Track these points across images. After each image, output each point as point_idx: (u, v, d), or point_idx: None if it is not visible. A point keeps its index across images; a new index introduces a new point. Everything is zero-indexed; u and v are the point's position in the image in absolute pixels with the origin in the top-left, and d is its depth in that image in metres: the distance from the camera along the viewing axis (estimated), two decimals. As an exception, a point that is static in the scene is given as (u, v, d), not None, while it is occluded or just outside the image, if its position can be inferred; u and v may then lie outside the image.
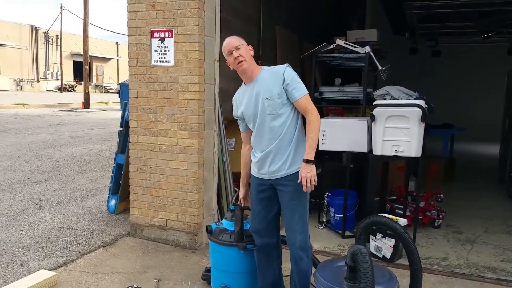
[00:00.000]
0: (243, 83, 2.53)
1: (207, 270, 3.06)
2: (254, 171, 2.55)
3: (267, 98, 2.37)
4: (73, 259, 3.44)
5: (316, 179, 2.33)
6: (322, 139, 3.99)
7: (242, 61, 2.38)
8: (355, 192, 4.25)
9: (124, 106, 4.44)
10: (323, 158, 4.56)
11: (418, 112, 3.48)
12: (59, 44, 34.67)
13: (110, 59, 41.55)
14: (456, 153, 7.70)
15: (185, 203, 3.68)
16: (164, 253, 3.60)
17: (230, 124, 4.63)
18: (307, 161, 2.32)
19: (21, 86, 32.22)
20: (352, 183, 4.12)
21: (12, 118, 14.47)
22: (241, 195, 2.75)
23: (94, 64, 38.52)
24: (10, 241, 3.79)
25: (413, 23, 7.93)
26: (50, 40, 36.00)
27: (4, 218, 4.41)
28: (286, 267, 3.25)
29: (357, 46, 4.41)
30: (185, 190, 3.66)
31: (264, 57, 6.09)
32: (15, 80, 32.17)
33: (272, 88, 2.37)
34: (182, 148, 3.63)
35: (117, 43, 42.27)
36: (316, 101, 4.87)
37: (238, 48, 2.39)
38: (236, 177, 4.43)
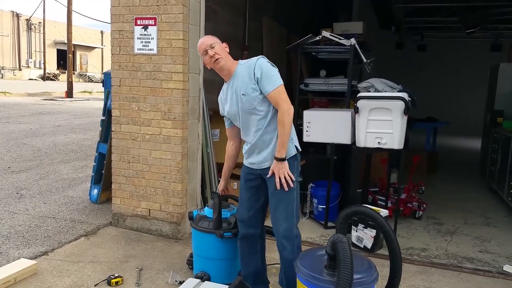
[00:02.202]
0: (224, 81, 2.54)
1: (192, 256, 3.10)
2: (244, 161, 2.58)
3: (243, 94, 2.37)
4: (54, 248, 3.40)
5: (290, 175, 2.34)
6: (307, 131, 4.01)
7: (218, 58, 2.38)
8: (338, 183, 4.30)
9: (107, 95, 4.38)
10: (307, 150, 4.60)
11: (401, 104, 3.52)
12: (42, 31, 33.84)
13: (94, 48, 40.78)
14: (439, 146, 7.83)
15: (168, 193, 3.66)
16: (147, 243, 3.58)
17: (214, 115, 4.60)
18: (277, 159, 2.33)
19: (2, 74, 31.42)
20: (335, 174, 4.17)
21: (-8, 106, 14.13)
22: (220, 187, 2.75)
23: (78, 53, 37.78)
24: (-11, 230, 3.72)
25: (399, 17, 7.99)
26: (32, 27, 35.07)
27: (-18, 207, 4.33)
28: (270, 256, 3.28)
29: (342, 38, 4.42)
30: (169, 180, 3.64)
31: (251, 48, 6.06)
32: (-4, 68, 31.40)
33: (247, 84, 2.35)
34: (166, 138, 3.61)
35: (101, 32, 41.47)
36: (301, 92, 4.89)
37: (213, 46, 2.38)
38: (220, 167, 4.39)
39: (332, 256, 1.95)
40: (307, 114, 4.04)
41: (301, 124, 4.21)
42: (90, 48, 40.29)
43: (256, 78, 2.32)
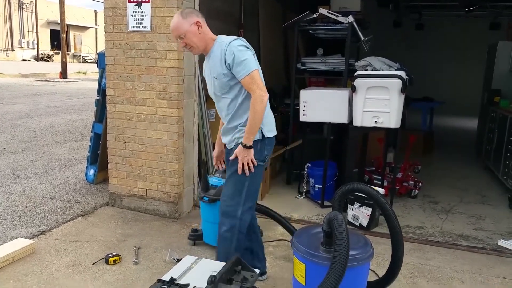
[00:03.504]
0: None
1: (194, 231, 3.23)
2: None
3: (215, 77, 2.32)
4: (51, 228, 3.41)
5: (254, 162, 2.29)
6: (303, 110, 3.99)
7: (190, 47, 2.33)
8: (335, 163, 4.30)
9: (101, 74, 4.32)
10: (304, 130, 4.59)
11: (398, 83, 3.50)
12: (34, 11, 33.15)
13: (88, 28, 40.08)
14: (436, 126, 7.83)
15: (165, 173, 3.66)
16: (144, 222, 3.60)
17: (211, 94, 4.57)
18: (244, 145, 2.27)
19: (-5, 55, 30.97)
20: (332, 154, 4.17)
21: (-14, 88, 13.96)
22: (214, 153, 2.73)
23: (72, 33, 37.13)
24: (-14, 211, 3.72)
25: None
26: (24, 7, 34.34)
27: (-21, 187, 4.32)
28: (267, 234, 3.31)
29: (340, 15, 4.35)
30: (165, 160, 3.63)
31: (247, 26, 5.97)
32: (-12, 49, 30.88)
33: (218, 67, 2.28)
34: (161, 118, 3.58)
35: (95, 11, 40.66)
36: (298, 72, 4.84)
37: (182, 37, 2.28)
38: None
39: (328, 233, 1.97)
40: (304, 94, 4.01)
41: (298, 104, 4.19)
42: (84, 28, 39.60)
43: (227, 64, 2.23)
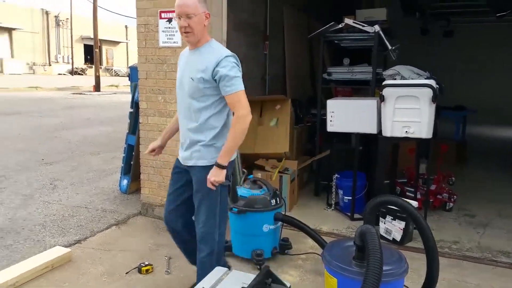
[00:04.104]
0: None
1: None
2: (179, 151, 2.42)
3: (191, 78, 2.16)
4: (87, 237, 3.54)
5: (220, 183, 2.14)
6: (330, 121, 3.98)
7: (188, 32, 2.13)
8: (364, 174, 4.24)
9: (134, 88, 4.47)
10: (331, 140, 4.57)
11: (428, 92, 3.44)
12: (69, 27, 34.71)
13: (119, 42, 41.51)
14: (468, 135, 7.60)
15: (194, 183, 3.72)
16: (174, 232, 3.66)
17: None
18: (218, 165, 2.11)
19: (33, 70, 32.49)
20: (361, 165, 4.12)
21: (26, 101, 14.66)
22: (153, 144, 2.55)
23: (104, 48, 38.53)
24: (27, 219, 3.90)
25: (424, 3, 7.74)
26: (60, 23, 36.01)
27: (21, 196, 4.54)
28: (296, 247, 3.30)
29: (366, 25, 4.34)
30: (195, 170, 3.70)
31: (272, 37, 6.04)
32: (28, 64, 32.44)
33: (200, 71, 2.13)
34: (191, 129, 3.65)
35: (126, 27, 42.13)
36: (324, 82, 4.84)
37: (190, 17, 2.08)
38: (244, 158, 4.47)
39: (360, 247, 1.94)
40: (331, 104, 4.00)
41: (324, 114, 4.19)
42: (115, 43, 41.06)
43: (216, 75, 2.10)
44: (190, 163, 2.26)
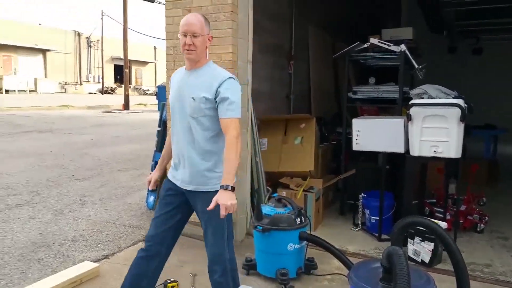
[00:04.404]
0: (184, 65, 2.33)
1: (248, 260, 3.25)
2: (168, 173, 2.37)
3: (192, 97, 2.16)
4: (115, 252, 3.61)
5: (235, 208, 2.06)
6: (356, 139, 3.96)
7: (192, 50, 2.15)
8: (391, 194, 4.17)
9: (162, 107, 4.60)
10: (357, 158, 4.53)
11: (457, 111, 3.39)
12: (100, 48, 36.15)
13: (148, 62, 42.81)
14: (500, 154, 7.36)
15: (220, 201, 3.75)
16: (199, 249, 3.64)
17: (262, 124, 4.69)
18: (227, 188, 2.03)
19: (65, 89, 33.78)
20: (388, 184, 4.06)
21: (57, 119, 15.24)
22: (152, 176, 2.49)
23: (133, 68, 39.80)
24: (57, 233, 4.02)
25: (451, 21, 7.66)
26: (92, 45, 37.55)
27: (52, 212, 4.69)
28: (322, 268, 3.25)
29: (392, 44, 4.34)
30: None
31: (297, 57, 6.11)
32: (60, 83, 33.79)
33: (202, 90, 2.15)
34: (217, 147, 3.71)
35: (154, 48, 43.49)
36: (349, 101, 4.84)
37: (196, 36, 2.13)
38: (269, 176, 4.49)
39: (387, 269, 1.91)
40: (356, 122, 4.00)
41: (350, 132, 4.17)
42: (144, 63, 42.38)
43: (217, 96, 2.12)
44: (190, 187, 2.23)
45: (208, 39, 2.21)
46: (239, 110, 2.17)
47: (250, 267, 3.23)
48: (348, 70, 4.80)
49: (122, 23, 22.52)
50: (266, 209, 3.23)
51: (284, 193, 4.16)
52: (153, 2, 18.84)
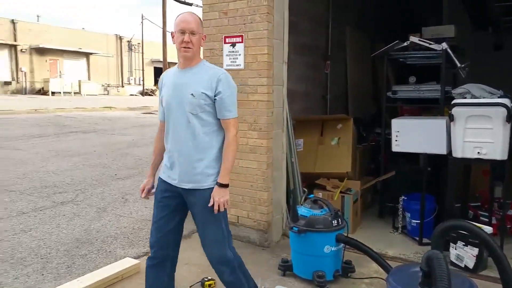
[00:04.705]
0: (177, 65, 2.34)
1: (284, 261, 3.24)
2: (162, 174, 2.35)
3: (192, 94, 2.17)
4: (154, 250, 3.71)
5: (229, 203, 2.21)
6: (396, 140, 3.86)
7: (189, 48, 2.18)
8: (433, 196, 4.03)
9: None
10: (397, 160, 4.41)
11: (502, 111, 3.22)
12: (141, 51, 37.36)
13: (186, 64, 43.76)
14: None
15: (255, 201, 3.79)
16: (236, 249, 3.71)
17: (298, 124, 4.67)
18: (221, 185, 2.17)
19: (108, 91, 35.11)
20: (430, 187, 3.92)
21: (100, 120, 15.88)
22: (145, 184, 2.46)
23: (171, 70, 40.77)
24: (100, 231, 4.20)
25: (498, 16, 7.28)
26: (133, 48, 38.87)
27: (95, 209, 4.90)
28: (359, 271, 3.20)
29: (433, 42, 4.19)
30: (255, 188, 3.77)
31: (333, 58, 6.03)
32: (102, 85, 35.17)
33: (201, 87, 2.17)
34: (252, 148, 3.75)
35: (192, 49, 44.38)
36: (389, 100, 4.72)
37: (193, 33, 2.17)
38: (305, 177, 4.46)
39: (427, 273, 1.86)
40: (396, 123, 3.89)
41: (389, 133, 4.07)
42: (181, 64, 43.37)
43: (217, 96, 2.17)
44: (189, 186, 2.22)
45: (202, 38, 2.26)
46: (236, 108, 2.25)
47: (286, 268, 3.23)
48: (386, 69, 4.68)
49: (162, 27, 23.15)
50: (302, 210, 3.22)
51: (320, 194, 4.12)
52: (191, 5, 19.24)
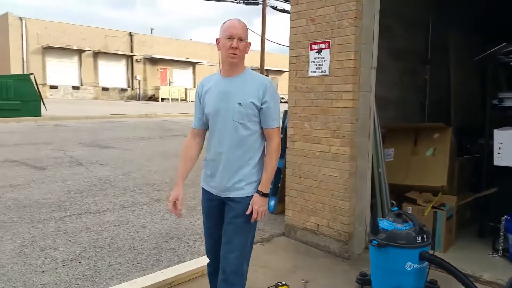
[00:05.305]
0: (219, 71, 2.30)
1: (363, 275, 3.10)
2: (203, 184, 2.36)
3: (239, 103, 2.14)
4: (234, 250, 3.85)
5: (265, 214, 2.21)
6: (498, 153, 3.45)
7: (236, 55, 2.15)
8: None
9: (284, 115, 4.75)
10: (502, 175, 3.92)
11: None
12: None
13: (283, 71, 44.50)
14: None
15: (335, 210, 3.70)
16: (314, 257, 3.68)
17: (389, 133, 4.44)
18: (262, 194, 2.17)
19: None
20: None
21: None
22: (172, 196, 2.33)
23: (270, 76, 41.90)
24: (188, 227, 4.49)
25: None
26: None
27: (186, 208, 5.25)
28: None
29: (552, 42, 3.65)
30: (336, 197, 3.68)
31: (434, 62, 5.61)
32: (206, 93, 37.71)
33: (248, 96, 2.15)
34: (334, 155, 3.67)
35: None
36: (496, 109, 4.21)
37: (242, 40, 2.15)
38: (395, 189, 4.21)
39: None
40: (499, 134, 3.48)
41: (492, 145, 3.65)
42: (280, 72, 44.22)
43: (263, 105, 2.16)
44: (231, 194, 2.22)
45: (248, 46, 2.23)
46: (279, 118, 2.27)
47: (364, 282, 3.08)
48: (491, 74, 4.21)
49: (260, 34, 23.93)
50: (384, 223, 3.04)
51: (410, 208, 3.86)
52: (289, 12, 19.54)
